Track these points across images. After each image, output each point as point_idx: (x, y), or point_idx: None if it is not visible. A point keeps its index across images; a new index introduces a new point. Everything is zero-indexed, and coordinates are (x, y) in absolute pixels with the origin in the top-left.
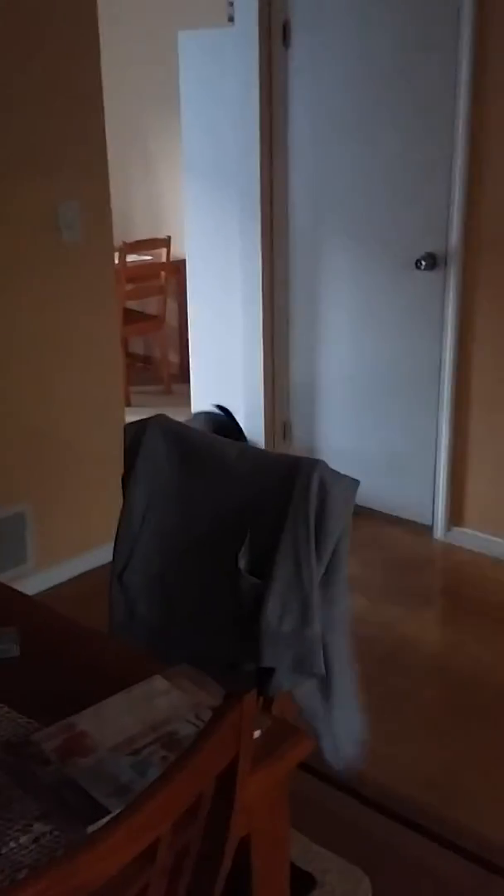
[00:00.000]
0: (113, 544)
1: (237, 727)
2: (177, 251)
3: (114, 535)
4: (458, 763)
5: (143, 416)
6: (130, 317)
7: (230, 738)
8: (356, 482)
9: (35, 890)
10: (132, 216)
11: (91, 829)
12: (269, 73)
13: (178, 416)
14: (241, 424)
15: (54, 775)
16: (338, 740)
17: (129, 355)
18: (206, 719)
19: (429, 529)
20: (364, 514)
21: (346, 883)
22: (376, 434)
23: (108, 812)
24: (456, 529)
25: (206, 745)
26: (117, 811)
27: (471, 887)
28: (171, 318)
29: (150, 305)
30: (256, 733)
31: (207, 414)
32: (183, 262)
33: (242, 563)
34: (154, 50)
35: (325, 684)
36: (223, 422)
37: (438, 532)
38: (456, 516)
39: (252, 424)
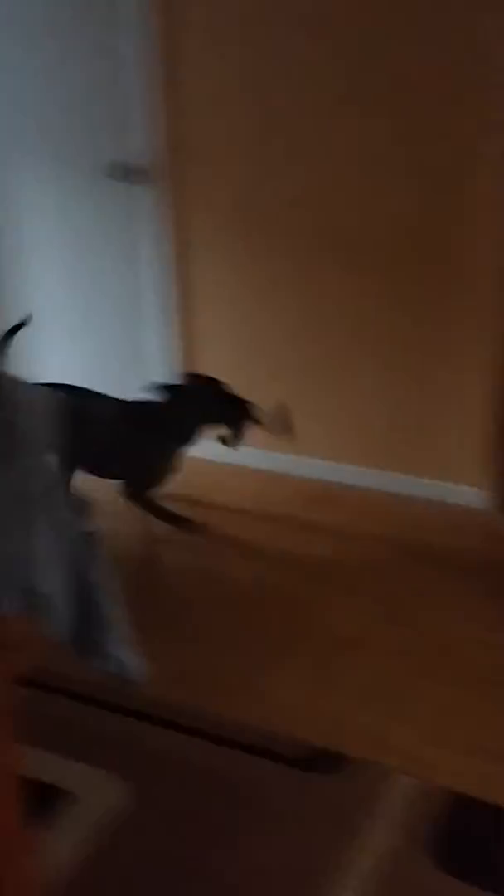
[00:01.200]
0: None
1: None
2: None
3: None
4: (204, 656)
5: None
6: None
7: None
8: (55, 393)
9: None
10: None
11: None
12: None
13: None
14: None
15: None
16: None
17: None
18: None
19: None
20: None
21: (103, 792)
22: (96, 362)
23: None
24: None
25: None
26: None
27: (239, 776)
28: None
29: None
30: None
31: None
32: None
33: None
34: None
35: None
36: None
37: None
38: None
39: None
